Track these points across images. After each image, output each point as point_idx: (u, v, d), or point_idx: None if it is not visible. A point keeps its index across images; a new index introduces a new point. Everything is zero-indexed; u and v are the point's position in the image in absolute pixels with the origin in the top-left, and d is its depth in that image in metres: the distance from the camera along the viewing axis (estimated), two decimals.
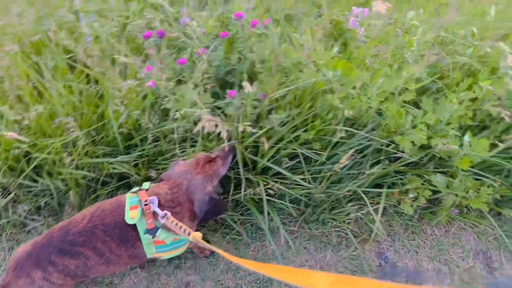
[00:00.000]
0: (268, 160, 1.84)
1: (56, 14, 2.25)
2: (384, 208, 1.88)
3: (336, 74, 1.73)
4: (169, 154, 1.86)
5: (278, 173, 1.86)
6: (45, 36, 2.05)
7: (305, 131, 1.86)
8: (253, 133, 1.79)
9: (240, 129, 1.58)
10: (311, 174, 1.88)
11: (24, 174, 1.82)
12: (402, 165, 1.85)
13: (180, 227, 1.31)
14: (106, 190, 1.90)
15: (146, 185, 1.52)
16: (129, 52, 2.07)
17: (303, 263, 1.81)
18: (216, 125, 1.45)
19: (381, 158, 1.88)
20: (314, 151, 1.85)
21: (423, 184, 1.81)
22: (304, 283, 0.85)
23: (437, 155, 1.77)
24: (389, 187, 1.87)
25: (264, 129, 1.79)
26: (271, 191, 1.84)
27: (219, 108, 1.93)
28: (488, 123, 1.86)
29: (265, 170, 1.90)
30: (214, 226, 1.87)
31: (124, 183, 1.92)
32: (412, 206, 1.82)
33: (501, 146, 1.64)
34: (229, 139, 1.73)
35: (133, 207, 1.40)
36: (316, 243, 1.86)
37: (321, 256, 1.83)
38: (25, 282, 1.28)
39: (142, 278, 1.73)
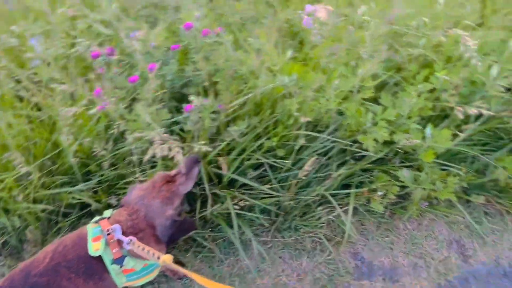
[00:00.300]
0: (234, 172, 1.79)
1: None
2: (355, 208, 1.86)
3: (292, 79, 1.69)
4: (130, 177, 1.79)
5: (246, 184, 1.81)
6: None
7: (268, 138, 1.82)
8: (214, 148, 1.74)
9: (195, 149, 1.52)
10: (279, 182, 1.84)
11: None
12: (368, 163, 1.83)
13: (148, 252, 1.27)
14: (68, 221, 1.82)
15: (107, 213, 1.45)
16: (77, 74, 1.99)
17: (280, 273, 1.77)
18: (170, 148, 1.39)
19: (347, 158, 1.86)
20: (279, 158, 1.81)
21: (391, 180, 1.80)
22: None
23: (401, 150, 1.75)
24: (357, 187, 1.85)
25: (225, 142, 1.74)
26: (240, 203, 1.79)
27: (179, 123, 1.87)
28: (449, 111, 1.85)
29: (232, 182, 1.85)
30: (185, 246, 1.81)
31: (87, 212, 1.84)
32: (381, 203, 1.80)
33: (462, 135, 1.64)
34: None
35: (95, 238, 1.33)
36: (290, 251, 1.83)
37: (297, 264, 1.80)
38: None
39: None
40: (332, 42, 1.81)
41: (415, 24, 1.85)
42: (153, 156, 1.72)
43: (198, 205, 1.77)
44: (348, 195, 1.82)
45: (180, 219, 1.39)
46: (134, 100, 1.86)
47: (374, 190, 1.81)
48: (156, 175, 1.47)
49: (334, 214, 1.81)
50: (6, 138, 1.76)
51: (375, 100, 1.82)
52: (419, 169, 1.81)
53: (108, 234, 1.31)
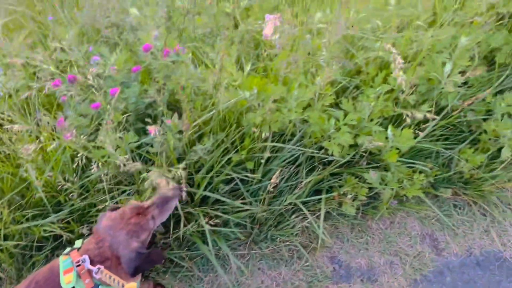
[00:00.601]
0: (205, 189, 1.80)
1: None
2: (328, 213, 1.89)
3: (252, 93, 1.70)
4: (102, 204, 1.78)
5: (219, 199, 1.82)
6: None
7: (236, 152, 1.83)
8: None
9: (172, 173, 1.52)
10: (251, 194, 1.85)
11: None
12: (337, 167, 1.85)
13: (114, 280, 1.27)
14: (42, 254, 1.79)
15: (78, 243, 1.44)
16: (40, 104, 1.97)
17: (259, 285, 1.78)
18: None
19: (315, 164, 1.88)
20: (249, 170, 1.82)
21: (359, 182, 1.83)
22: None
23: (365, 153, 1.78)
24: (328, 191, 1.88)
25: (192, 161, 1.75)
26: (215, 220, 1.80)
27: (147, 144, 1.87)
28: (409, 109, 1.89)
29: (205, 199, 1.86)
30: (162, 268, 1.81)
31: (60, 243, 1.82)
32: (353, 206, 1.83)
33: (422, 134, 1.68)
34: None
35: (67, 270, 1.32)
36: (268, 261, 1.84)
37: (275, 274, 1.81)
38: None
39: None
40: (290, 52, 1.83)
41: (369, 27, 1.88)
42: (123, 183, 1.73)
43: (172, 225, 1.77)
44: (319, 201, 1.84)
45: (146, 252, 1.37)
46: (100, 125, 1.85)
47: (344, 194, 1.84)
48: (128, 204, 1.44)
49: (308, 220, 1.83)
50: None
51: (337, 105, 1.86)
52: (386, 168, 1.85)
53: (78, 265, 1.31)
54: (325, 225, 1.87)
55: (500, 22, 1.93)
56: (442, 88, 1.77)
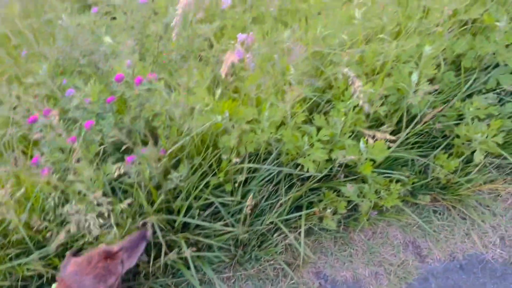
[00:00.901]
0: (185, 215, 1.81)
1: None
2: (310, 228, 1.90)
3: (224, 117, 1.72)
4: (82, 239, 1.77)
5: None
6: None
7: (214, 175, 1.85)
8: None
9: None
10: (232, 215, 1.86)
11: None
12: (315, 182, 1.87)
13: None
14: None
15: (53, 287, 1.44)
16: (16, 142, 1.98)
17: None
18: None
19: (294, 180, 1.90)
20: (228, 192, 1.84)
21: (338, 196, 1.84)
22: None
23: (340, 167, 1.80)
24: (308, 207, 1.89)
25: (170, 188, 1.76)
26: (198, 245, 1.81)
27: (125, 174, 1.87)
28: (383, 119, 1.92)
29: (186, 224, 1.87)
30: None
31: (45, 280, 1.82)
32: (333, 220, 1.84)
33: (393, 146, 1.70)
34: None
35: None
36: (254, 282, 1.85)
37: None
38: None
39: None
40: (260, 73, 1.85)
41: (337, 42, 1.91)
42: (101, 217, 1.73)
43: (154, 253, 1.77)
44: (301, 217, 1.85)
45: None
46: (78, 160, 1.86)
47: (324, 208, 1.85)
48: (96, 248, 1.44)
49: (290, 238, 1.84)
50: None
51: (311, 121, 1.88)
52: (364, 180, 1.86)
53: None
54: (308, 241, 1.88)
55: (464, 27, 1.97)
56: (411, 97, 1.79)
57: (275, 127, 1.78)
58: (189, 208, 1.83)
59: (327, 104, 1.93)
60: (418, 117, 1.85)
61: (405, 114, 1.83)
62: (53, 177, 1.58)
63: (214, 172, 1.85)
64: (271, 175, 1.86)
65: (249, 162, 1.84)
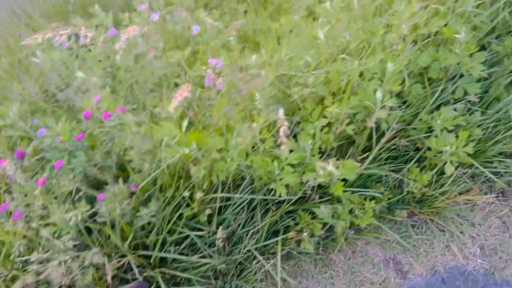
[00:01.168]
0: (161, 249, 1.79)
1: None
2: (289, 252, 1.88)
3: (192, 148, 1.72)
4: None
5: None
6: None
7: (188, 206, 1.83)
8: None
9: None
10: (209, 245, 1.85)
11: None
12: (290, 205, 1.86)
13: None
14: None
15: None
16: None
17: None
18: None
19: (269, 205, 1.88)
20: (203, 223, 1.83)
21: (313, 218, 1.83)
22: None
23: (313, 190, 1.79)
24: (285, 231, 1.87)
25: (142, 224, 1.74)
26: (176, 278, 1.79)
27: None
28: (354, 137, 1.92)
29: (163, 259, 1.84)
30: None
31: None
32: (311, 242, 1.82)
33: (362, 167, 1.70)
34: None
35: None
36: None
37: None
38: None
39: None
40: (227, 100, 1.85)
41: (302, 64, 1.92)
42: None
43: None
44: (277, 242, 1.83)
45: None
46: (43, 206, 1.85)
47: (301, 231, 1.84)
48: None
49: (269, 264, 1.82)
50: None
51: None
52: (339, 200, 1.85)
53: None
54: (287, 266, 1.86)
55: (427, 40, 1.98)
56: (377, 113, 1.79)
57: (245, 154, 1.77)
58: (165, 242, 1.81)
59: (296, 126, 1.93)
60: (388, 132, 1.85)
61: (374, 131, 1.83)
62: (19, 224, 1.56)
63: (187, 203, 1.84)
64: (246, 202, 1.85)
65: (222, 190, 1.83)
